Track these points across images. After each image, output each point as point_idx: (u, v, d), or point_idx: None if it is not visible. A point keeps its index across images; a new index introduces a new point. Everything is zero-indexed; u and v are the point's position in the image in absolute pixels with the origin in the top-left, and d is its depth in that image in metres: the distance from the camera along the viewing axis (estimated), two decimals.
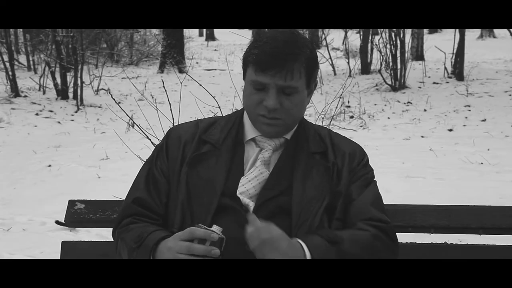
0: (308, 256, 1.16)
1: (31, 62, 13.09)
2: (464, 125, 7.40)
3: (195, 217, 1.27)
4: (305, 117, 1.43)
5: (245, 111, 1.40)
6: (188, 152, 1.36)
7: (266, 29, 1.41)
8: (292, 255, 1.14)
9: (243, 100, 1.36)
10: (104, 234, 3.43)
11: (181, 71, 12.93)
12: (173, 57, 13.73)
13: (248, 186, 1.28)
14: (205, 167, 1.32)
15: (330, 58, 12.26)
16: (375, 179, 1.39)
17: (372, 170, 1.39)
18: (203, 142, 1.37)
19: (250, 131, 1.37)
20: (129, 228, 1.31)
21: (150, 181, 1.37)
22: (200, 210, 1.28)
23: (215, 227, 1.17)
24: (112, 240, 1.38)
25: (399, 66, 10.12)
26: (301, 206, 1.25)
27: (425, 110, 8.48)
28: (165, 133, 1.46)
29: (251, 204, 1.26)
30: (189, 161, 1.34)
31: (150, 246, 1.22)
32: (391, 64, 10.20)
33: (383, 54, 10.53)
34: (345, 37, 14.43)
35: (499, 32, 19.98)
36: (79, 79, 9.24)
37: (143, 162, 1.44)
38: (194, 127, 1.41)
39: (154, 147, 2.07)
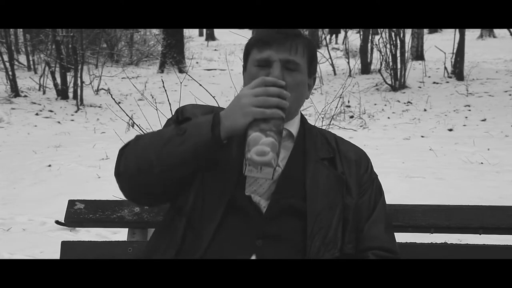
0: None
1: (31, 62, 13.11)
2: (464, 125, 7.40)
3: (205, 204, 1.24)
4: (305, 117, 1.43)
5: None
6: None
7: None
8: None
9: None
10: (104, 234, 3.43)
11: (181, 71, 12.95)
12: (173, 57, 13.74)
13: (255, 186, 1.25)
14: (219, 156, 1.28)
15: (330, 58, 12.27)
16: (381, 185, 1.38)
17: (377, 176, 1.39)
18: None
19: None
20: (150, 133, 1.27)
21: None
22: (211, 199, 1.25)
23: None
24: (111, 240, 1.37)
25: (399, 66, 10.13)
26: (315, 214, 1.23)
27: (425, 110, 8.49)
28: None
29: (263, 203, 1.24)
30: None
31: (211, 118, 1.18)
32: (391, 64, 10.22)
33: (383, 54, 10.55)
34: (345, 37, 14.46)
35: (499, 32, 20.00)
36: (79, 79, 9.25)
37: None
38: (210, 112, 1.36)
39: None
